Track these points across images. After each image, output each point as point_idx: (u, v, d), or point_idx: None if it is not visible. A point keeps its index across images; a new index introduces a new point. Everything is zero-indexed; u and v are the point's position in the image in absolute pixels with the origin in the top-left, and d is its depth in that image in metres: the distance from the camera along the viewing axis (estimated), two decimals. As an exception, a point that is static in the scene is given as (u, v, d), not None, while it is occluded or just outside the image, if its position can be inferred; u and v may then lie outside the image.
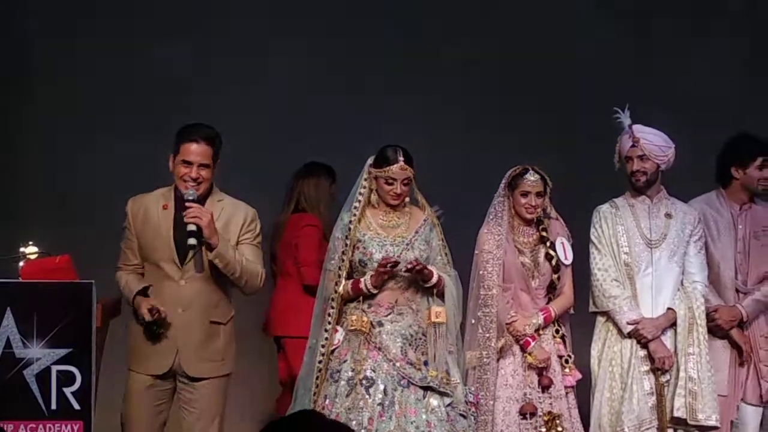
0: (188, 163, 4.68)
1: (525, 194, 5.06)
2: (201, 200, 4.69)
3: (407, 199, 4.80)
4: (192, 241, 4.56)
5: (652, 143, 5.23)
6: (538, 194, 5.05)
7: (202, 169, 4.68)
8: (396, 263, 4.64)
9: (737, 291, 5.42)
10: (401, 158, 4.72)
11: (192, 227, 4.56)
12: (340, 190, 5.64)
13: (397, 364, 4.58)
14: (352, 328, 4.65)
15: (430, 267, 4.73)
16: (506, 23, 6.75)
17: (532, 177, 5.06)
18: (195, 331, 4.71)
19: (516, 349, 5.00)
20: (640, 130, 5.23)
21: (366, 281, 4.69)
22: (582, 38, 6.74)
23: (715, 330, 5.31)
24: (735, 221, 5.47)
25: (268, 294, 5.78)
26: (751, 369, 5.36)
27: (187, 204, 4.61)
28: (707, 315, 5.26)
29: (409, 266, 4.62)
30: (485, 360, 4.93)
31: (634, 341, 5.15)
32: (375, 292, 4.69)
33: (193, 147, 4.67)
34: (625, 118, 5.23)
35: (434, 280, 4.71)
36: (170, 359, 4.69)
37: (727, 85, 6.61)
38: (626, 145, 5.24)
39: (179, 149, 4.69)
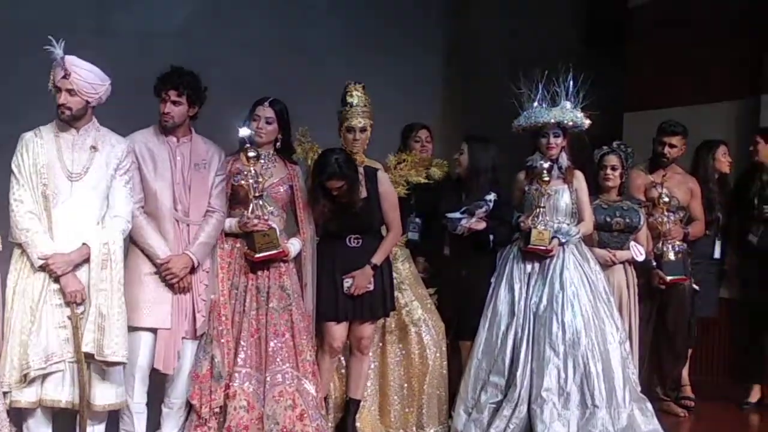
0: None
1: None
2: None
3: None
4: None
5: (84, 79, 5.13)
6: None
7: None
8: None
9: (177, 222, 5.47)
10: None
11: None
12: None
13: None
14: None
15: None
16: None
17: None
18: None
19: None
20: (73, 63, 5.12)
21: None
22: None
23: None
24: (173, 153, 5.51)
25: None
26: (190, 304, 5.48)
27: None
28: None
29: None
30: None
31: (47, 274, 5.09)
32: None
33: None
34: (58, 50, 5.07)
35: None
36: None
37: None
38: (58, 76, 5.13)
39: None
